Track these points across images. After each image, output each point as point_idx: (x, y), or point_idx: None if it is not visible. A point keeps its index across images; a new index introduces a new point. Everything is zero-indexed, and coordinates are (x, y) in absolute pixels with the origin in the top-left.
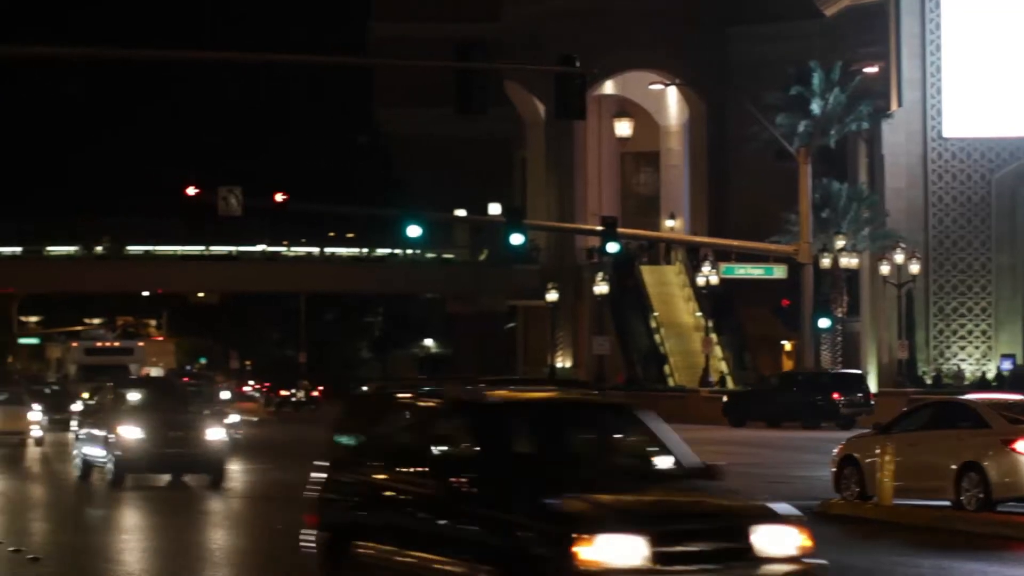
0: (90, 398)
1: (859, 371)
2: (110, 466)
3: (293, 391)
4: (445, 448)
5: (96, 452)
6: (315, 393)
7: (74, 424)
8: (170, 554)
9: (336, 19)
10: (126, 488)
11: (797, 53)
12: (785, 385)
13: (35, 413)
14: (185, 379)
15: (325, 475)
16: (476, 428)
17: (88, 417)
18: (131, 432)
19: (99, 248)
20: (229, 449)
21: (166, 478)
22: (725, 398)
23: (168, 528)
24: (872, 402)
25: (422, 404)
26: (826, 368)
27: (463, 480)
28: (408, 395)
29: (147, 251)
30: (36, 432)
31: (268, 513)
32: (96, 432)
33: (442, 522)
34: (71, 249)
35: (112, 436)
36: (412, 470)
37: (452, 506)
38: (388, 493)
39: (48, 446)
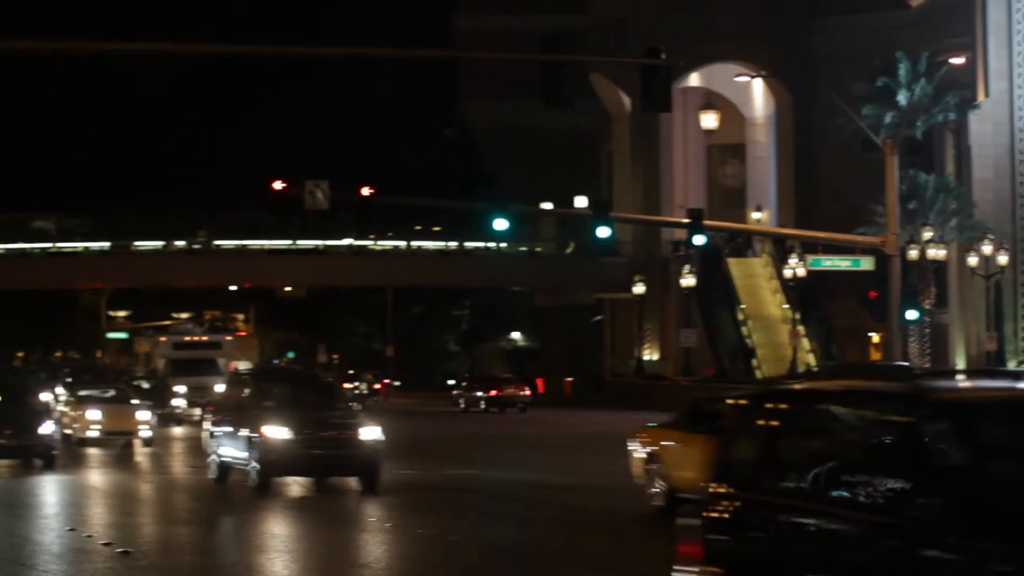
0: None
1: (906, 363)
2: (254, 469)
3: (356, 384)
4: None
5: (235, 453)
6: (377, 386)
7: (207, 423)
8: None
9: (422, 13)
10: (271, 494)
11: (883, 44)
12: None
13: (144, 412)
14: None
15: (715, 495)
16: (960, 434)
17: (226, 414)
18: (278, 432)
19: (185, 243)
20: (385, 449)
21: (301, 481)
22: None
23: (334, 543)
24: None
25: (881, 405)
26: (874, 360)
27: (950, 506)
28: (850, 392)
29: (235, 245)
30: (145, 432)
31: (431, 521)
32: (236, 431)
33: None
34: (159, 244)
35: (256, 436)
36: (864, 492)
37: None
38: (822, 523)
39: (157, 445)
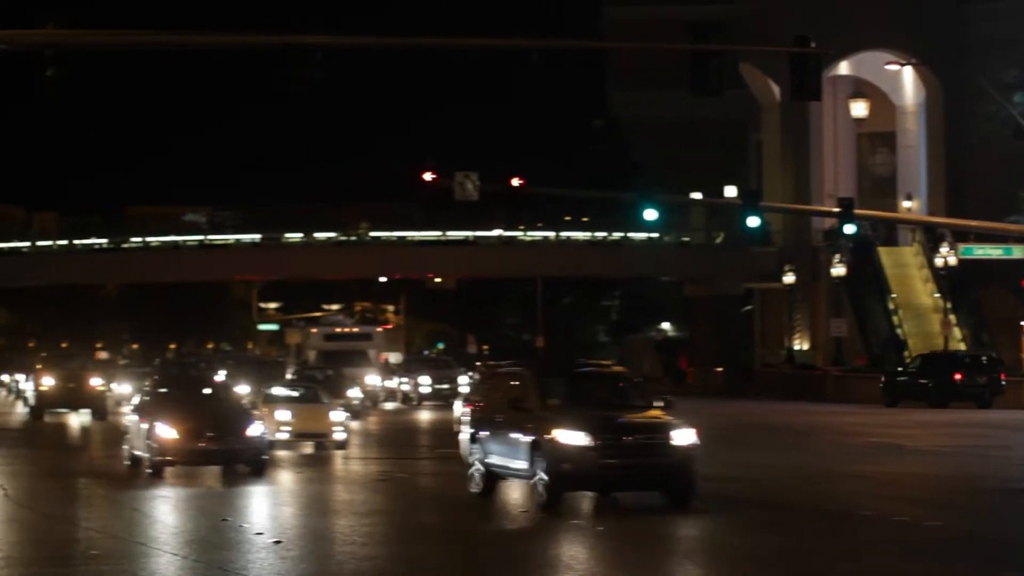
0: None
1: (994, 354)
2: (541, 482)
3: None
4: None
5: (511, 462)
6: None
7: (465, 419)
8: None
9: (571, 3)
10: (560, 511)
11: None
12: (925, 365)
13: (337, 412)
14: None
15: None
16: None
17: (493, 413)
18: (573, 437)
19: (337, 234)
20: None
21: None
22: (883, 378)
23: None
24: (1003, 383)
25: None
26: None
27: None
28: None
29: (384, 237)
30: (340, 434)
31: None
32: (512, 434)
33: None
34: (309, 236)
35: (546, 441)
36: None
37: None
38: None
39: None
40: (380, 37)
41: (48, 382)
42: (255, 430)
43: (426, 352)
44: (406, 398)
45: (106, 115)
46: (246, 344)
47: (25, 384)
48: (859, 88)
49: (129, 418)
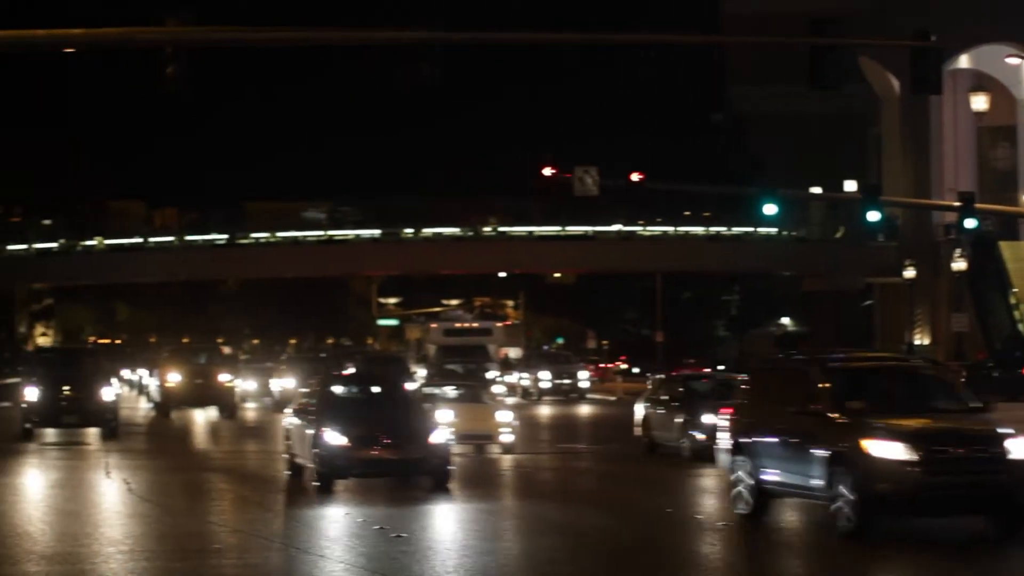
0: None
1: None
2: (847, 506)
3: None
4: None
5: (798, 479)
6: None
7: (725, 433)
8: None
9: None
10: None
11: None
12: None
13: (504, 412)
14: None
15: None
16: None
17: (770, 418)
18: (890, 449)
19: (460, 230)
20: None
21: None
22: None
23: None
24: None
25: None
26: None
27: None
28: None
29: (504, 232)
30: (507, 436)
31: None
32: (799, 446)
33: None
34: (428, 231)
35: (852, 454)
36: None
37: None
38: None
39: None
40: (499, 32)
41: (174, 378)
42: (439, 436)
43: (546, 347)
44: (526, 393)
45: (226, 111)
46: (365, 339)
47: (148, 380)
48: (979, 82)
49: (290, 421)
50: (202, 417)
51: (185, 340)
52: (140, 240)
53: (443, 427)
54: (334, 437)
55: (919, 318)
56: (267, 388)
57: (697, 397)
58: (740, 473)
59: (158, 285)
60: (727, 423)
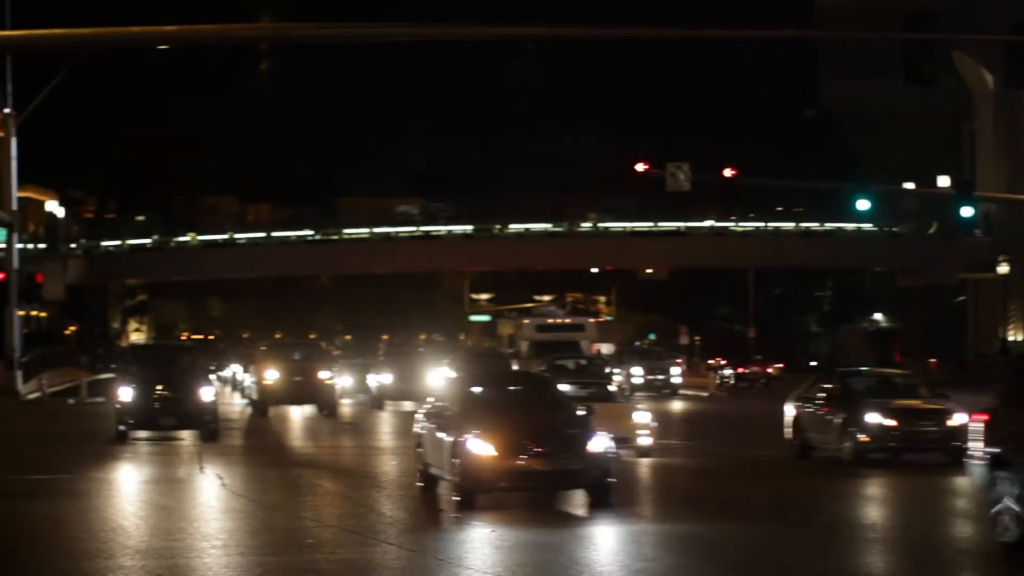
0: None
1: None
2: None
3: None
4: None
5: None
6: (770, 369)
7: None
8: None
9: None
10: None
11: None
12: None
13: (642, 414)
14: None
15: None
16: None
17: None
18: None
19: (550, 225)
20: None
21: None
22: None
23: None
24: None
25: None
26: None
27: None
28: None
29: (596, 227)
30: (645, 439)
31: None
32: None
33: None
34: (520, 227)
35: None
36: None
37: None
38: None
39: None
40: (592, 28)
41: (272, 376)
42: (598, 444)
43: (638, 343)
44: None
45: (319, 107)
46: (457, 335)
47: (243, 375)
48: None
49: (423, 425)
50: (300, 415)
51: (278, 335)
52: (233, 236)
53: (603, 433)
54: (478, 446)
55: (1013, 314)
56: (364, 384)
57: (857, 395)
58: (1002, 495)
59: (251, 281)
60: (981, 431)
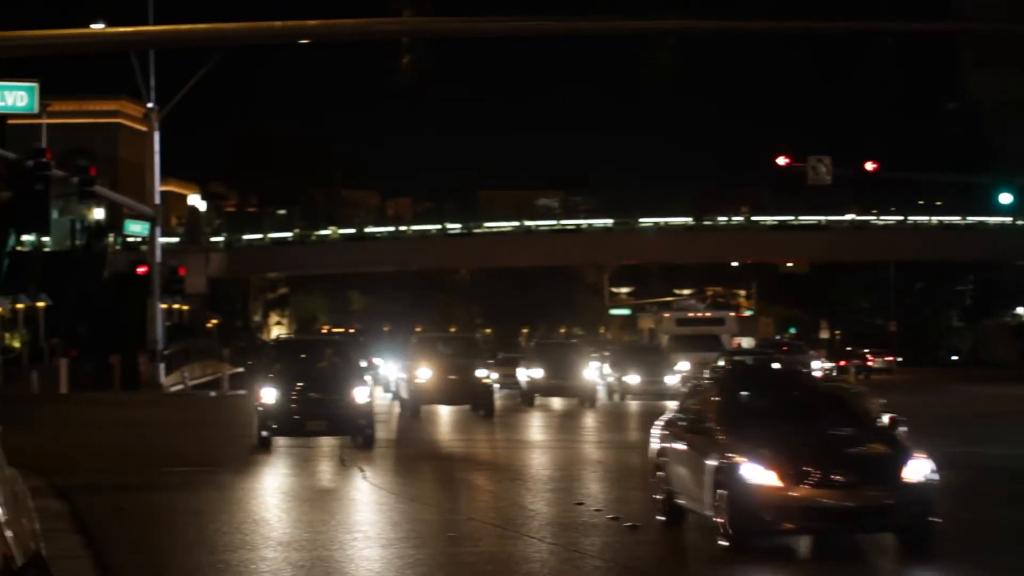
0: None
1: None
2: None
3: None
4: None
5: None
6: (871, 362)
7: None
8: None
9: None
10: None
11: None
12: None
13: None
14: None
15: None
16: None
17: None
18: None
19: (692, 219)
20: None
21: None
22: None
23: None
24: None
25: None
26: None
27: None
28: None
29: (736, 221)
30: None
31: None
32: None
33: None
34: (659, 221)
35: None
36: None
37: None
38: None
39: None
40: (731, 21)
41: (424, 373)
42: (917, 470)
43: (778, 337)
44: None
45: (460, 100)
46: (597, 329)
47: (386, 369)
48: None
49: (666, 444)
50: (450, 410)
51: (418, 328)
52: (374, 230)
53: (921, 455)
54: (756, 473)
55: None
56: (512, 379)
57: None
58: None
59: (391, 274)
60: None
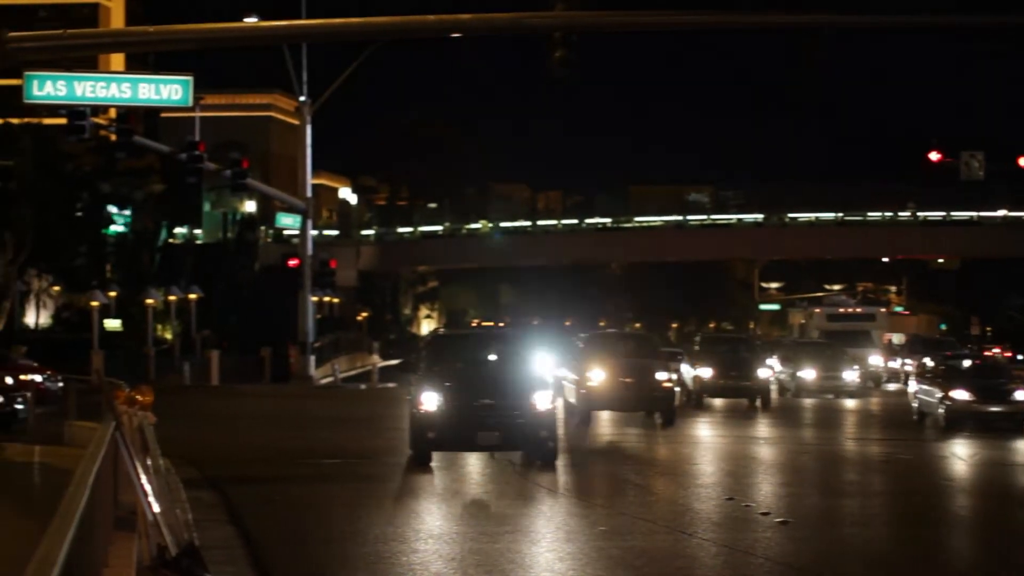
0: None
1: None
2: None
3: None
4: None
5: None
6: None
7: None
8: None
9: None
10: None
11: None
12: None
13: None
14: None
15: None
16: None
17: None
18: None
19: (840, 215)
20: None
21: None
22: None
23: None
24: None
25: None
26: None
27: None
28: None
29: (885, 216)
30: None
31: None
32: None
33: None
34: (811, 216)
35: None
36: None
37: None
38: None
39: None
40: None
41: (597, 376)
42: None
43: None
44: (908, 378)
45: (609, 94)
46: (746, 324)
47: (552, 368)
48: None
49: None
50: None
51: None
52: (524, 223)
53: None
54: None
55: None
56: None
57: None
58: None
59: (541, 268)
60: None
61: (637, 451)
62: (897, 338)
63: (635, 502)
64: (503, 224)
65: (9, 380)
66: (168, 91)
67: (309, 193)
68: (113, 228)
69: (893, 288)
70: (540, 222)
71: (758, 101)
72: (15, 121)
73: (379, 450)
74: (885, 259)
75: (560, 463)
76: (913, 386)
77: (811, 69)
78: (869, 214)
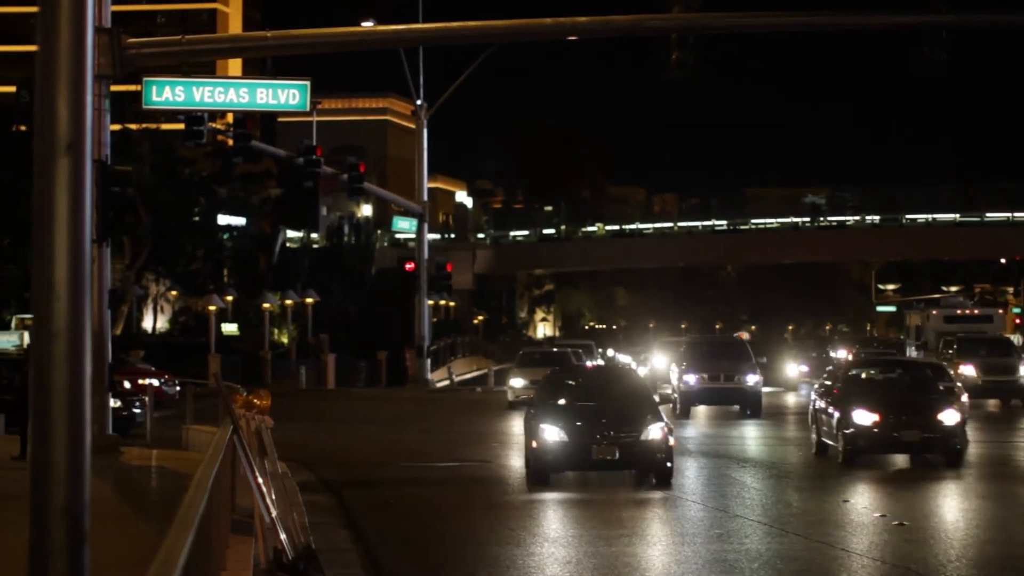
0: None
1: None
2: None
3: None
4: None
5: None
6: None
7: None
8: None
9: None
10: None
11: None
12: None
13: None
14: None
15: None
16: None
17: None
18: None
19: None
20: None
21: None
22: None
23: None
24: None
25: None
26: None
27: None
28: None
29: (1007, 217)
30: None
31: None
32: None
33: None
34: (925, 217)
35: None
36: None
37: None
38: None
39: None
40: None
41: (690, 380)
42: None
43: None
44: None
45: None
46: (863, 326)
47: (651, 366)
48: None
49: None
50: (718, 409)
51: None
52: (640, 226)
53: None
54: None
55: None
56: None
57: None
58: None
59: (657, 270)
60: None
61: (749, 453)
62: (1016, 339)
63: (751, 504)
64: (619, 227)
65: (127, 384)
66: (286, 96)
67: (425, 197)
68: (229, 233)
69: (1011, 289)
70: (656, 225)
71: (874, 101)
72: (134, 127)
73: (493, 455)
74: (1003, 260)
75: (674, 465)
76: None
77: (930, 69)
78: (987, 215)
